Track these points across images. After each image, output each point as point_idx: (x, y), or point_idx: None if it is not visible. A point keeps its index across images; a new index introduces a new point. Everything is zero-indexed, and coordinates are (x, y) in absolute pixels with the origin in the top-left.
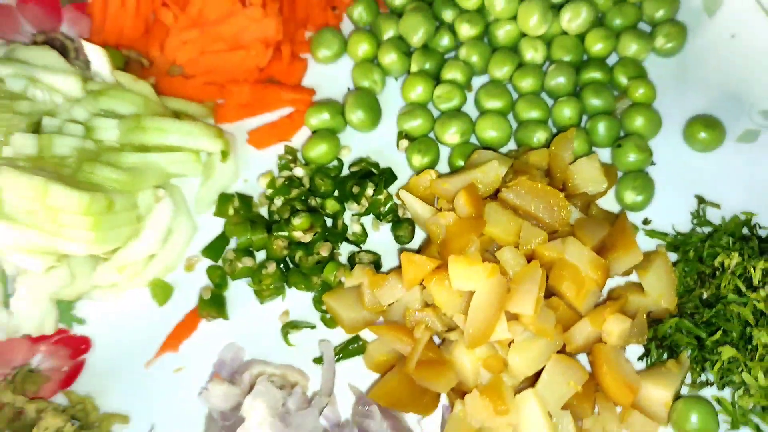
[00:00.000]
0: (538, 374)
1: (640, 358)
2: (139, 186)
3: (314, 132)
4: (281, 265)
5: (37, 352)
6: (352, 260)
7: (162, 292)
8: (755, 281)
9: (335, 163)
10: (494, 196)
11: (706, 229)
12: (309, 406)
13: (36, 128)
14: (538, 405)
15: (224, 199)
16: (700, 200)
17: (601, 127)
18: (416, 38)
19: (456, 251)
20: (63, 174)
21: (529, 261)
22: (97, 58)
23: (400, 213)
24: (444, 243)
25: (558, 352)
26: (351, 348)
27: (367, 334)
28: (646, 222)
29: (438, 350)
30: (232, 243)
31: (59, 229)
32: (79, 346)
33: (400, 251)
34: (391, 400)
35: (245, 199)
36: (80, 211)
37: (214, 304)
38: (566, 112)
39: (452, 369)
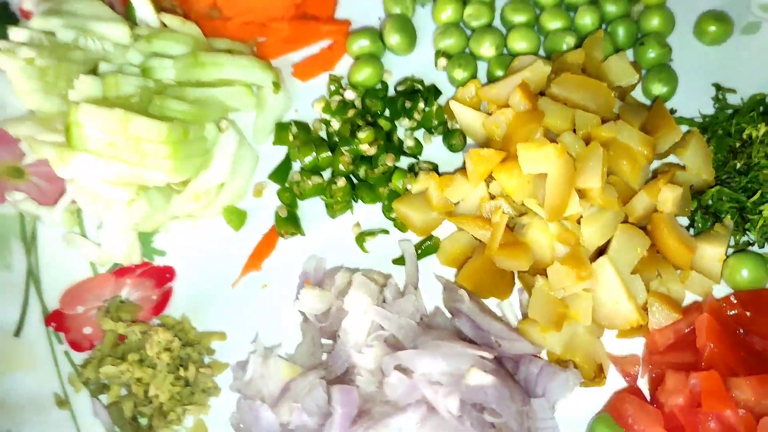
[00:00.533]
0: (603, 248)
1: (688, 228)
2: (205, 117)
3: (357, 58)
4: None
5: (123, 285)
6: (412, 170)
7: (236, 217)
8: None
9: (379, 86)
10: (541, 94)
11: (728, 112)
12: (403, 296)
13: (92, 74)
14: (613, 269)
15: (282, 127)
16: (718, 87)
17: (621, 30)
18: None
19: (522, 140)
20: (133, 110)
21: (586, 144)
22: (142, 5)
23: (449, 125)
24: (507, 137)
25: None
26: (425, 246)
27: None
28: (672, 111)
29: (513, 234)
30: (295, 166)
31: (141, 158)
32: (164, 275)
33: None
34: (475, 283)
35: (302, 126)
36: (159, 139)
37: (290, 221)
38: (587, 19)
39: (528, 249)
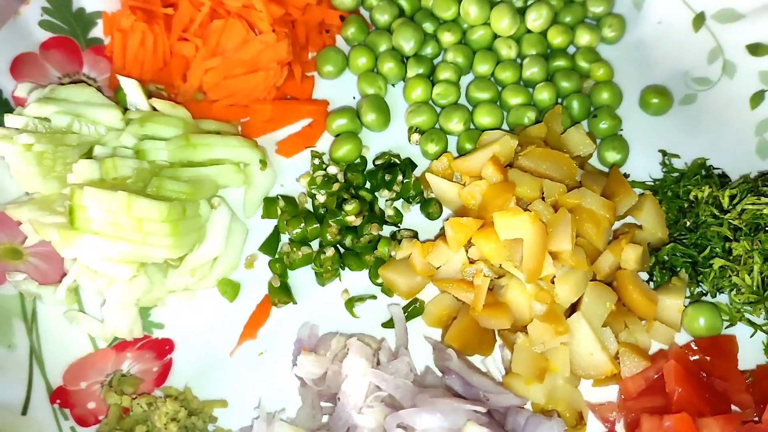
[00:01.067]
0: (575, 305)
1: (648, 282)
2: (198, 195)
3: (336, 135)
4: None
5: (124, 359)
6: (394, 238)
7: (231, 289)
8: (725, 206)
9: (358, 160)
10: (509, 166)
11: (674, 175)
12: (396, 358)
13: (86, 158)
14: (586, 323)
15: (270, 202)
16: (664, 153)
17: (576, 104)
18: (408, 47)
19: (497, 209)
20: (130, 191)
21: (555, 210)
22: (132, 90)
23: (426, 194)
24: (483, 206)
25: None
26: (412, 309)
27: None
28: (626, 176)
29: (493, 295)
30: (284, 238)
31: (143, 237)
32: (164, 347)
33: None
34: (462, 342)
35: (289, 199)
36: (161, 218)
37: (283, 290)
38: (545, 95)
39: (508, 308)
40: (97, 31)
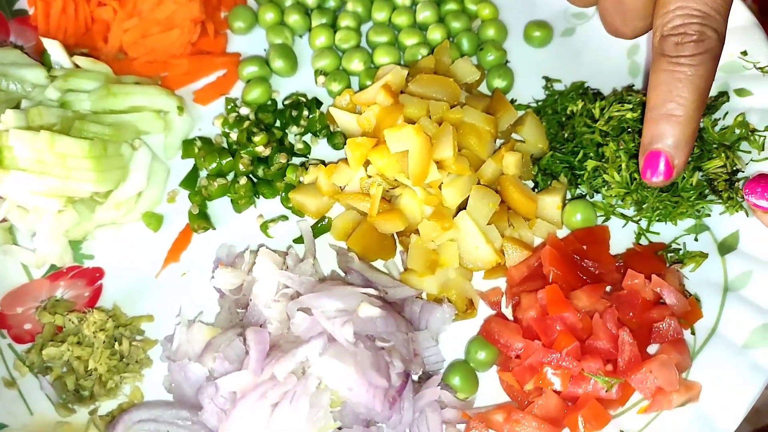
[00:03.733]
0: (463, 206)
1: (534, 189)
2: (120, 138)
3: (248, 82)
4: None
5: (58, 287)
6: (303, 166)
7: (155, 221)
8: (596, 116)
9: (270, 103)
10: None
11: (555, 98)
12: (302, 262)
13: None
14: (471, 220)
15: (188, 143)
16: (546, 79)
17: (465, 41)
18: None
19: (388, 127)
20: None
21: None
22: (56, 51)
23: (331, 128)
24: (377, 127)
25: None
26: (320, 226)
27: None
28: (513, 101)
29: (389, 204)
30: (202, 174)
31: (68, 172)
32: (94, 275)
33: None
34: (363, 247)
35: (206, 140)
36: (83, 155)
37: (202, 217)
38: (437, 34)
39: (402, 213)
40: (22, 3)
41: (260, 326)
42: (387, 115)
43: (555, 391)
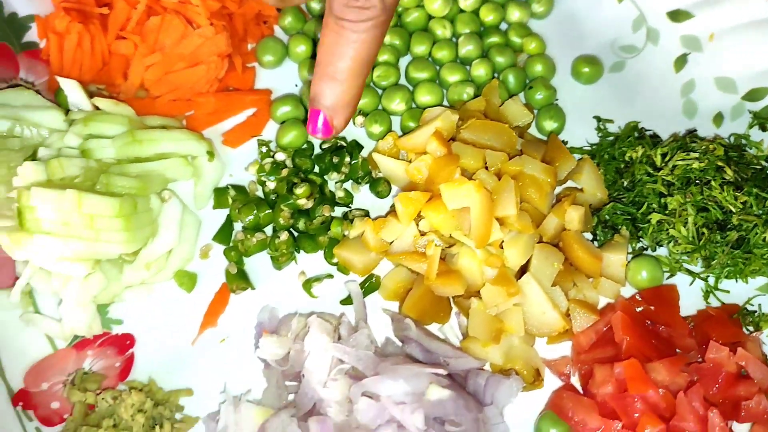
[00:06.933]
0: (525, 267)
1: (592, 242)
2: (148, 190)
3: (281, 123)
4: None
5: (85, 357)
6: (346, 218)
7: (188, 280)
8: (658, 163)
9: (305, 146)
10: (452, 140)
11: (609, 139)
12: (356, 332)
13: (32, 160)
14: (536, 284)
15: (220, 192)
16: (598, 119)
17: (511, 77)
18: None
19: (444, 181)
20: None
21: (498, 178)
22: (73, 90)
23: (374, 174)
24: (430, 179)
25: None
26: (368, 285)
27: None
28: (564, 143)
29: (445, 264)
30: (237, 227)
31: (96, 234)
32: (124, 342)
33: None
34: (418, 312)
35: (239, 188)
36: (113, 214)
37: (240, 276)
38: (481, 71)
39: (461, 275)
40: (32, 35)
41: (314, 405)
42: (441, 166)
43: None
